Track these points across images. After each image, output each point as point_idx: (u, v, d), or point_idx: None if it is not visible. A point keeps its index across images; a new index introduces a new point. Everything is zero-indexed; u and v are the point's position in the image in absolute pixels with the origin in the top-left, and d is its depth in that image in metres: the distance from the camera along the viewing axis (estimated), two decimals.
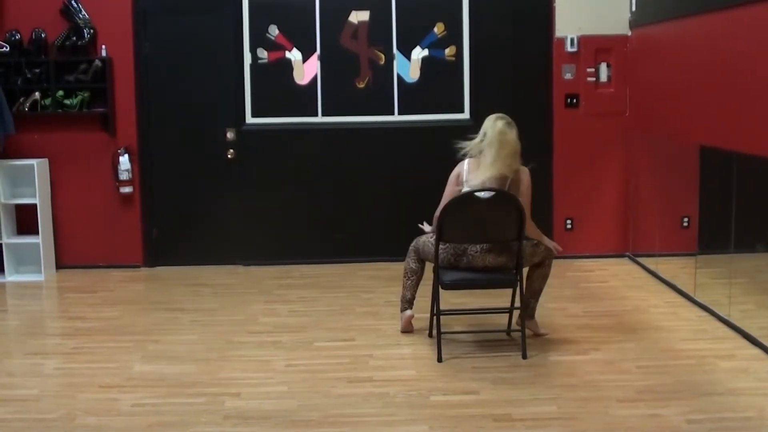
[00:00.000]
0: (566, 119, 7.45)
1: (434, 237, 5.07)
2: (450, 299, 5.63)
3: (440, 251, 5.05)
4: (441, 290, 5.09)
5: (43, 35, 7.18)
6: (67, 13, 7.22)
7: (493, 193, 4.92)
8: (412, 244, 5.41)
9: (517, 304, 5.25)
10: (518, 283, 5.10)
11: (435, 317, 5.14)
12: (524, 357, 4.99)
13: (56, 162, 7.37)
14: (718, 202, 5.66)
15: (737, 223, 5.44)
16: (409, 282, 5.41)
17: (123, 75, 7.30)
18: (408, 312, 5.45)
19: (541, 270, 5.23)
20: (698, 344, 5.21)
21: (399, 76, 7.45)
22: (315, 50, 7.41)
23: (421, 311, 5.57)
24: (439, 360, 4.96)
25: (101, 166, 7.38)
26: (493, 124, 5.09)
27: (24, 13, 7.22)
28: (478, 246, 5.04)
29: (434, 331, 5.20)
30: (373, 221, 7.52)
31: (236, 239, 7.51)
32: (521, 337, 5.07)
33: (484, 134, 5.09)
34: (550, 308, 5.98)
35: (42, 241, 7.20)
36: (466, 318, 5.28)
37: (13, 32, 7.17)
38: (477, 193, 4.93)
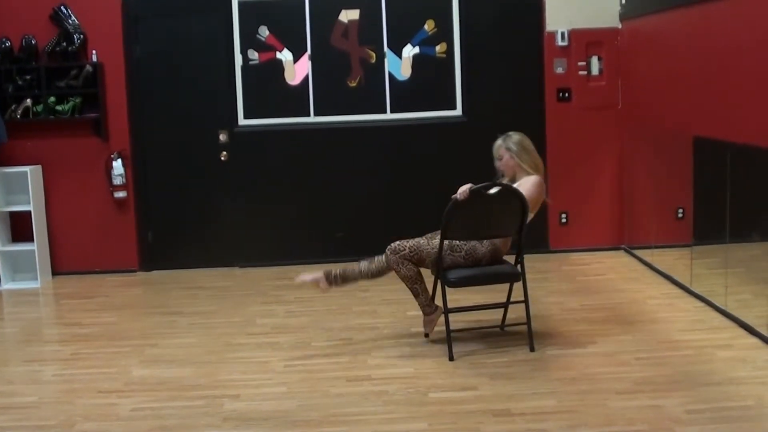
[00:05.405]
0: (559, 113, 7.45)
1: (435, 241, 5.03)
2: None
3: (449, 257, 5.01)
4: (447, 288, 5.03)
5: (33, 42, 7.17)
6: (57, 18, 7.20)
7: (499, 188, 4.94)
8: (398, 254, 5.13)
9: (514, 298, 5.25)
10: (522, 276, 5.09)
11: (444, 315, 5.05)
12: (532, 350, 5.00)
13: (50, 168, 7.36)
14: (713, 192, 5.66)
15: (732, 213, 5.45)
16: (419, 286, 5.16)
17: (114, 79, 7.30)
18: (439, 309, 5.18)
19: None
20: (696, 335, 5.22)
21: (390, 74, 7.44)
22: (306, 50, 7.41)
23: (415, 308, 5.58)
24: (451, 359, 4.93)
25: (95, 171, 7.37)
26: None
27: (13, 20, 7.20)
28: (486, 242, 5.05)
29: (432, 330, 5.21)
30: (367, 220, 7.50)
31: (232, 241, 7.51)
32: (527, 330, 5.07)
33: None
34: (547, 302, 5.99)
35: (37, 248, 7.18)
36: (459, 315, 5.26)
37: (3, 39, 7.16)
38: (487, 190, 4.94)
